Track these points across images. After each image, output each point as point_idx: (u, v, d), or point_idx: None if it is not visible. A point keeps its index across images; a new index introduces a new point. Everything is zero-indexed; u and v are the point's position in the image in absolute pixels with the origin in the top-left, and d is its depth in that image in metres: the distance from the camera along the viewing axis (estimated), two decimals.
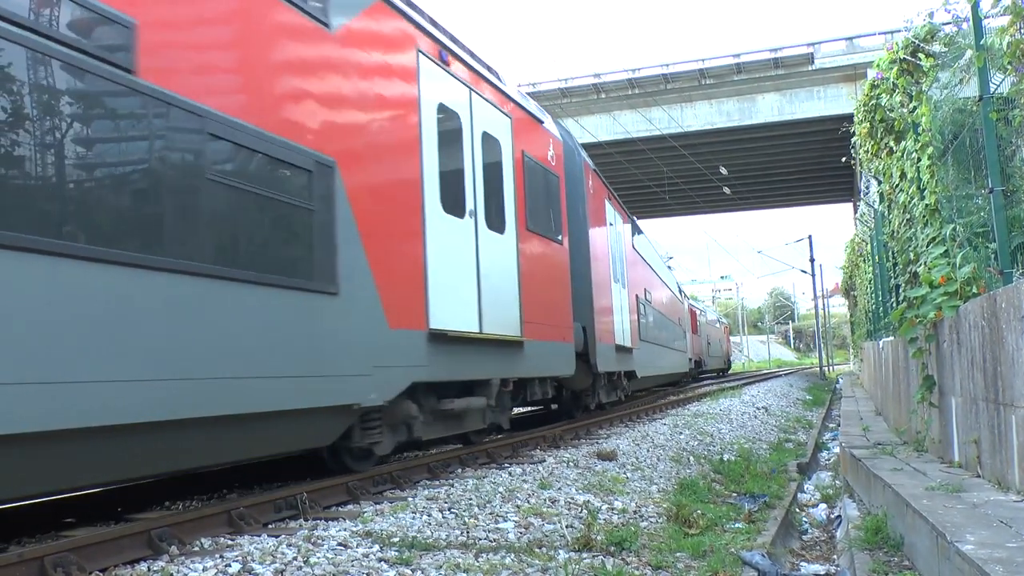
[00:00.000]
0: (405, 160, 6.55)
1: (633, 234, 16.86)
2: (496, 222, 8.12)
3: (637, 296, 16.06)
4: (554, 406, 13.05)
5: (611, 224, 13.83)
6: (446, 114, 7.30)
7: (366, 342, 5.78)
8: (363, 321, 5.76)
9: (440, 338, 6.73)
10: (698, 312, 35.77)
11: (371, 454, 6.46)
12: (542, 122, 10.02)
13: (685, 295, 32.24)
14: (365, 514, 4.93)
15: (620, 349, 13.23)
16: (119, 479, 4.80)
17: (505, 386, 8.34)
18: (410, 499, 5.46)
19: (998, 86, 5.33)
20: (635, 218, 18.56)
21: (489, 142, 8.16)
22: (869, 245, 15.50)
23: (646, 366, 16.45)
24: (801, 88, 31.52)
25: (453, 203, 7.24)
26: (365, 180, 5.95)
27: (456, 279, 7.15)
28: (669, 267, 28.43)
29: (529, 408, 14.75)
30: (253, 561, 3.75)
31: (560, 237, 10.13)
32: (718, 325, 45.75)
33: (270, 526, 4.82)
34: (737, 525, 5.67)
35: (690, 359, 29.21)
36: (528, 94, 31.48)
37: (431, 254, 6.72)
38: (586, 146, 30.66)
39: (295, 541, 4.13)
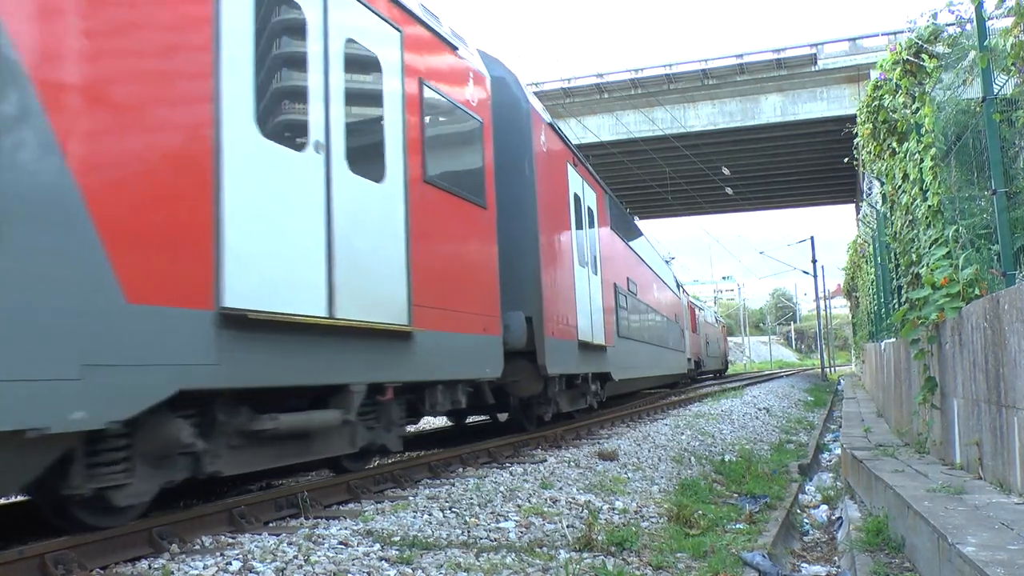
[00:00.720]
0: (178, 48, 4.33)
1: (612, 214, 14.45)
2: (368, 165, 5.87)
3: (616, 286, 13.76)
4: (503, 416, 10.85)
5: (577, 196, 11.41)
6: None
7: (65, 324, 3.58)
8: (60, 288, 3.57)
9: (245, 323, 4.50)
10: (697, 310, 34.66)
11: (125, 506, 4.23)
12: (455, 48, 7.62)
13: (685, 291, 31.26)
14: (366, 513, 4.94)
15: (587, 347, 10.94)
16: None
17: (382, 394, 6.16)
18: (411, 498, 5.47)
19: (1001, 87, 5.34)
20: (617, 198, 16.63)
21: (359, 56, 5.96)
22: (871, 246, 15.49)
23: (626, 367, 14.10)
24: (804, 89, 31.48)
25: (282, 127, 5.06)
26: (80, 61, 3.77)
27: (284, 237, 4.87)
28: (667, 262, 26.74)
29: (479, 418, 12.89)
30: (254, 559, 3.76)
31: (482, 199, 7.82)
32: (716, 324, 45.03)
33: (271, 524, 4.83)
34: (738, 526, 5.67)
35: (689, 359, 28.02)
36: (531, 94, 31.55)
37: (231, 193, 4.46)
38: (589, 146, 30.86)
39: (296, 540, 4.14)
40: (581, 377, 11.16)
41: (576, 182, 11.48)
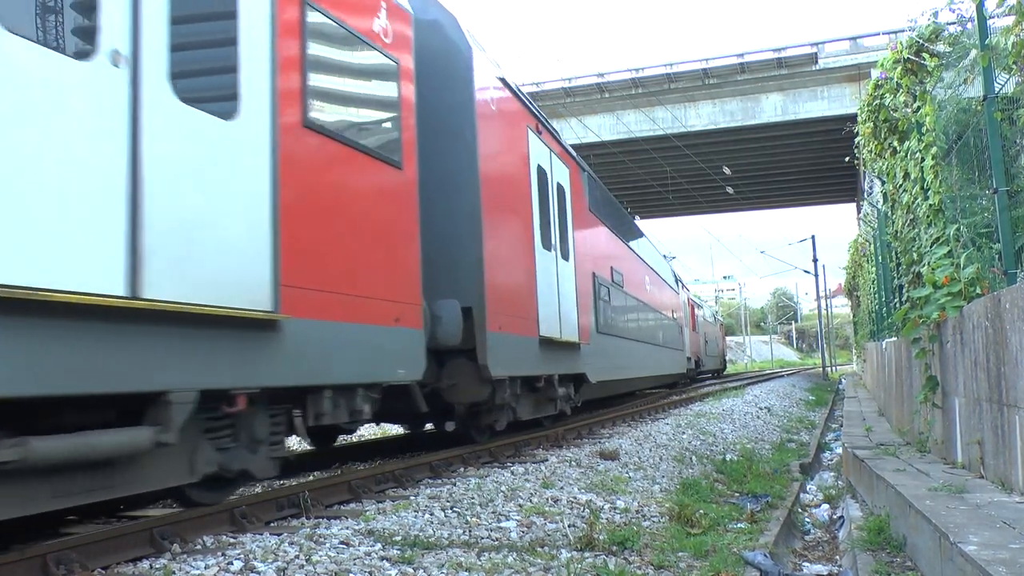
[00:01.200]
0: None
1: (593, 195, 12.70)
2: (210, 94, 4.49)
3: (596, 276, 12.12)
4: (450, 426, 9.06)
5: (542, 169, 9.67)
6: None
7: None
8: None
9: None
10: (696, 308, 33.42)
11: None
12: None
13: (685, 288, 30.18)
14: (367, 512, 4.94)
15: (552, 344, 9.36)
16: None
17: (230, 404, 4.53)
18: (412, 498, 5.47)
19: (1003, 86, 5.33)
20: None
21: None
22: (872, 245, 15.49)
23: (608, 368, 12.50)
24: (805, 88, 31.48)
25: (45, 22, 3.67)
26: None
27: (44, 179, 3.43)
28: (666, 257, 24.87)
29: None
30: (255, 559, 3.76)
31: (397, 157, 6.26)
32: (714, 323, 43.53)
33: (272, 524, 4.83)
34: (739, 525, 5.67)
35: (688, 358, 26.75)
36: (532, 94, 31.61)
37: None
38: (590, 145, 30.84)
39: (297, 539, 4.14)
40: (544, 379, 9.36)
41: (540, 152, 9.73)
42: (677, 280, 26.57)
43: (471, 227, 7.58)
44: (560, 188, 10.49)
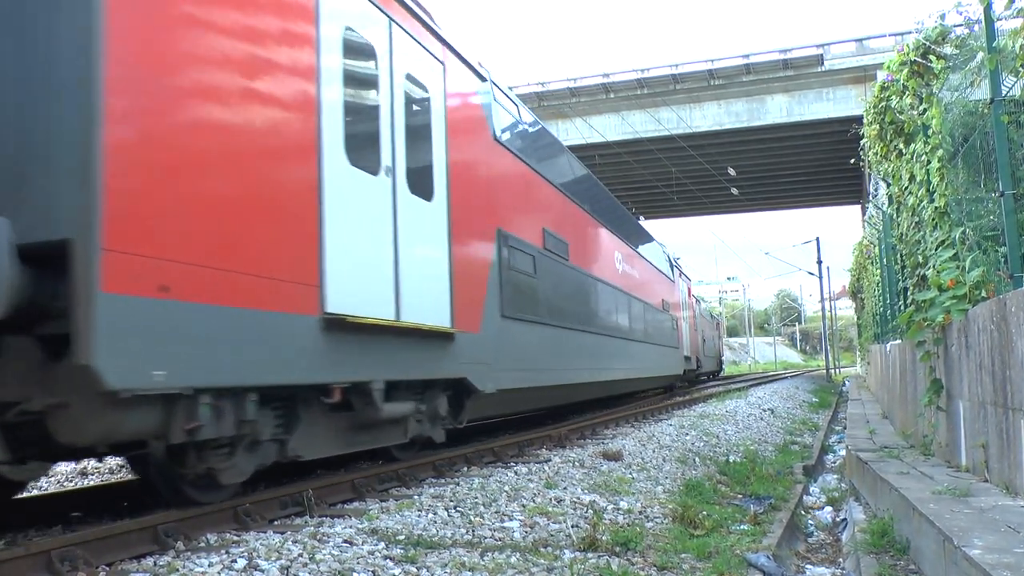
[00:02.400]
0: None
1: (500, 119, 8.96)
2: None
3: (505, 234, 8.53)
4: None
5: (357, 42, 5.97)
6: None
7: None
8: None
9: None
10: (696, 302, 30.39)
11: None
12: None
13: (684, 276, 26.62)
14: (371, 512, 4.95)
15: (371, 331, 5.76)
16: None
17: None
18: (416, 497, 5.48)
19: (1010, 89, 5.32)
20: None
21: None
22: (877, 248, 15.46)
23: (524, 369, 8.90)
24: (810, 89, 31.46)
25: None
26: None
27: None
28: (659, 244, 21.23)
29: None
30: (259, 557, 3.76)
31: None
32: (711, 320, 40.58)
33: (276, 523, 4.84)
34: (742, 527, 5.67)
35: (688, 358, 24.05)
36: (537, 93, 31.57)
37: None
38: (595, 145, 30.85)
39: (301, 538, 4.14)
40: (342, 391, 5.48)
41: (355, 12, 5.99)
42: (673, 267, 22.96)
43: (69, 66, 3.78)
44: (417, 85, 6.95)
